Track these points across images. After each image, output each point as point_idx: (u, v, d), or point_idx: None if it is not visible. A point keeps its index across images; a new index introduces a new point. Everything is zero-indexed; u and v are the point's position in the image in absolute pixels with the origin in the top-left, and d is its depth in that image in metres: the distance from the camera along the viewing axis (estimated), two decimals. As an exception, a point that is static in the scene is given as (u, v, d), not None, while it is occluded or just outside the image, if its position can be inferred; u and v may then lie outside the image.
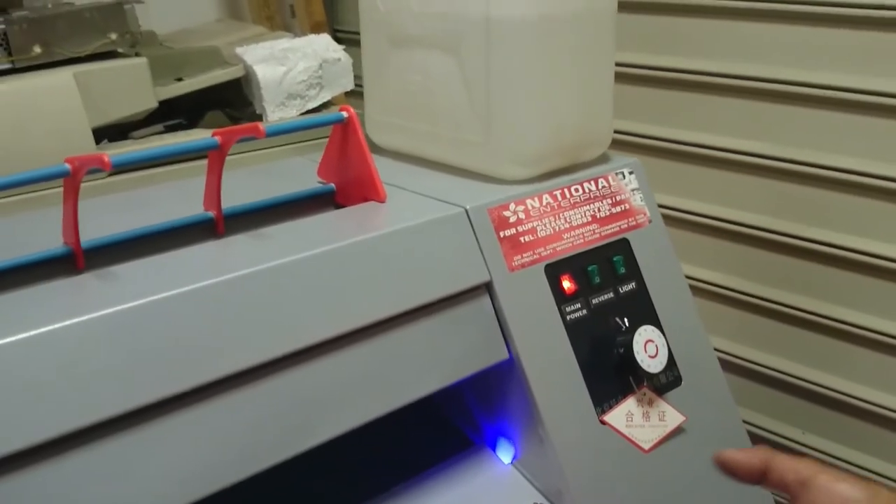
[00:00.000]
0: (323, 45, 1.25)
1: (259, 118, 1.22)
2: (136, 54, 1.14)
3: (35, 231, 0.60)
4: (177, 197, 0.67)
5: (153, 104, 1.12)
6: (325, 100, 1.25)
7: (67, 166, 0.50)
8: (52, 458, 0.44)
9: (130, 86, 1.09)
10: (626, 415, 0.63)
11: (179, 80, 1.17)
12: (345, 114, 0.62)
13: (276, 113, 1.16)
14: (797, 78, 0.94)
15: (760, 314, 1.10)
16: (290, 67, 1.21)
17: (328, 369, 0.54)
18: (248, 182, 0.67)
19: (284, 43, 1.25)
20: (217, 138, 0.56)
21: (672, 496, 0.64)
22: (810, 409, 1.12)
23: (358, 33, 1.46)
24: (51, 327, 0.44)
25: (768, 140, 1.00)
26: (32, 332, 0.43)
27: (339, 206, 0.66)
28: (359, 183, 0.64)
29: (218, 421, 0.49)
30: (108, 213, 0.62)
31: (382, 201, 0.63)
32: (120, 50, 1.12)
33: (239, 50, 1.22)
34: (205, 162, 0.60)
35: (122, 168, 0.72)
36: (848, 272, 1.00)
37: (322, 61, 1.23)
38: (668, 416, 0.65)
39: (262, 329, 0.51)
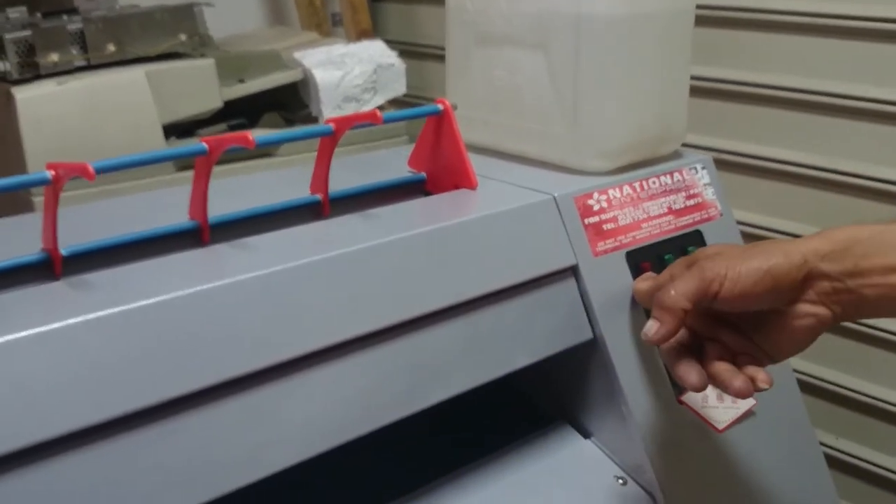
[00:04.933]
0: (378, 50, 1.30)
1: (314, 120, 1.27)
2: (202, 55, 1.18)
3: (150, 211, 0.64)
4: (274, 184, 0.71)
5: (219, 104, 1.16)
6: (378, 104, 1.29)
7: (204, 145, 0.54)
8: (196, 409, 0.47)
9: (198, 85, 1.14)
10: (702, 396, 0.67)
11: (242, 81, 1.22)
12: (440, 106, 0.66)
13: (332, 115, 1.20)
14: (853, 92, 0.98)
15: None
16: (346, 71, 1.25)
17: (432, 340, 0.57)
18: (343, 170, 0.71)
19: (341, 48, 1.30)
20: (332, 125, 0.60)
21: (744, 475, 0.68)
22: (844, 414, 1.14)
23: (400, 42, 1.51)
24: (209, 286, 0.48)
25: (820, 152, 1.04)
26: (189, 291, 0.47)
27: (428, 193, 0.70)
28: (451, 171, 0.68)
29: (339, 381, 0.53)
30: (223, 195, 0.65)
31: (474, 188, 0.67)
32: (185, 51, 1.17)
33: (297, 54, 1.27)
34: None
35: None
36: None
37: (377, 66, 1.27)
38: (739, 399, 0.68)
39: (373, 300, 0.55)
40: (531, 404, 0.74)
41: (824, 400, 1.15)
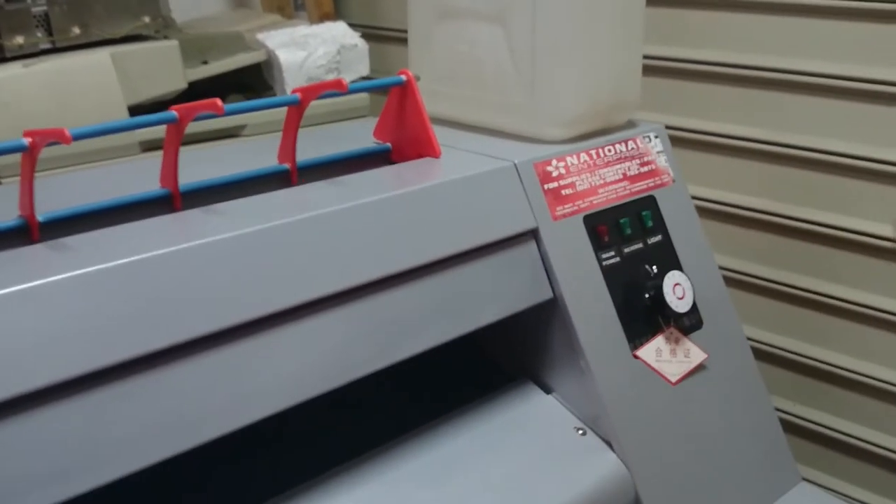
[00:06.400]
0: (341, 31, 1.32)
1: (280, 101, 1.28)
2: (165, 37, 1.19)
3: (122, 181, 0.66)
4: (243, 154, 0.73)
5: (183, 85, 1.18)
6: (343, 82, 1.31)
7: (174, 113, 0.56)
8: (173, 363, 0.50)
9: (163, 67, 1.16)
10: (656, 350, 0.70)
11: (205, 63, 1.23)
12: (404, 77, 0.68)
13: (298, 94, 1.21)
14: (795, 67, 1.02)
15: (752, 291, 1.17)
16: (310, 52, 1.27)
17: (400, 299, 0.60)
18: (308, 142, 0.73)
19: (304, 29, 1.31)
20: (298, 94, 0.62)
21: (696, 425, 0.71)
22: (800, 381, 1.19)
23: (362, 25, 1.52)
24: (185, 245, 0.50)
25: (765, 126, 1.08)
26: (165, 250, 0.49)
27: (393, 163, 0.73)
28: (415, 141, 0.70)
29: (312, 337, 0.55)
30: (192, 166, 0.67)
31: (438, 157, 0.69)
32: (149, 33, 1.18)
33: (261, 35, 1.29)
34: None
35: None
36: (833, 249, 1.08)
37: (340, 47, 1.29)
38: (692, 353, 0.72)
39: (343, 260, 0.57)
40: (496, 366, 0.77)
41: (782, 367, 1.19)
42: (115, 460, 0.47)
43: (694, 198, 1.13)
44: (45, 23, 1.08)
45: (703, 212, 1.15)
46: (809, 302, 1.12)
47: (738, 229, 1.16)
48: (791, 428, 1.19)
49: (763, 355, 1.18)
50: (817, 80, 1.01)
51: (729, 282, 1.17)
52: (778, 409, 1.18)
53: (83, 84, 1.07)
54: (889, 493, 1.11)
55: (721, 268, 1.15)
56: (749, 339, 1.16)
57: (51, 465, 0.45)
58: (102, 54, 1.10)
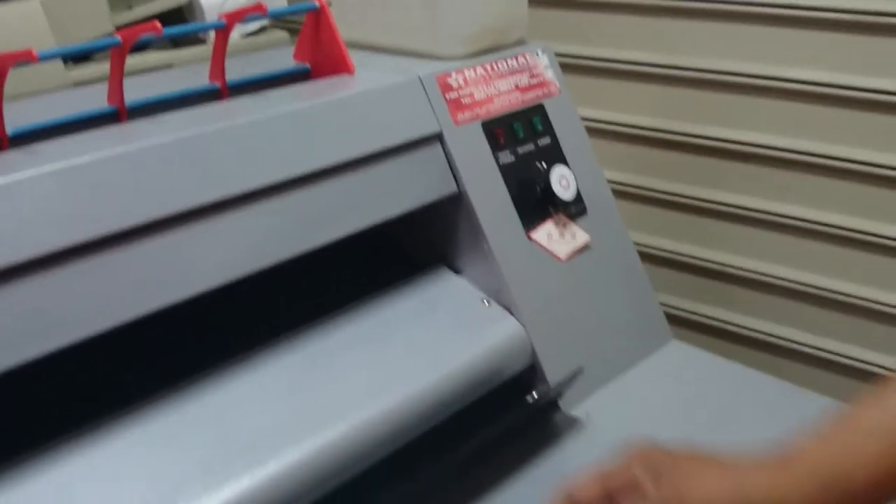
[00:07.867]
0: (259, -28, 1.39)
1: (202, 42, 1.35)
2: (92, -16, 1.25)
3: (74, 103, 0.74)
4: (177, 79, 0.82)
5: (110, 29, 1.24)
6: (263, 23, 1.39)
7: (118, 38, 0.64)
8: (123, 244, 0.59)
9: (90, 12, 1.22)
10: (547, 233, 0.82)
11: (129, 8, 1.30)
12: (317, 3, 0.78)
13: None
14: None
15: (646, 203, 1.30)
16: (230, -7, 1.34)
17: (320, 192, 0.70)
18: (236, 65, 0.82)
19: (224, -29, 1.38)
20: (224, 20, 0.71)
21: (581, 293, 0.84)
22: (691, 280, 1.32)
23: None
24: (135, 146, 0.59)
25: (655, 50, 1.19)
26: (125, 149, 0.59)
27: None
28: (330, 60, 0.80)
29: (244, 224, 0.65)
30: (133, 89, 0.75)
31: (352, 73, 0.79)
32: (75, -19, 1.24)
33: (182, -21, 1.35)
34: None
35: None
36: (720, 160, 1.20)
37: (260, -14, 1.37)
38: (578, 235, 0.84)
39: (270, 159, 0.67)
40: (415, 259, 0.87)
41: (675, 269, 1.32)
42: (78, 325, 0.56)
43: (587, 119, 1.25)
44: (-28, -26, 1.13)
45: (596, 132, 1.26)
46: (699, 209, 1.25)
47: (630, 147, 1.27)
48: (684, 322, 1.33)
49: (657, 259, 1.31)
50: (702, 4, 1.12)
51: (623, 195, 1.29)
52: (671, 306, 1.32)
53: (17, 32, 1.13)
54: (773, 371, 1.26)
55: (615, 182, 1.28)
56: (644, 244, 1.29)
57: (24, 327, 0.54)
58: (33, 3, 1.16)
